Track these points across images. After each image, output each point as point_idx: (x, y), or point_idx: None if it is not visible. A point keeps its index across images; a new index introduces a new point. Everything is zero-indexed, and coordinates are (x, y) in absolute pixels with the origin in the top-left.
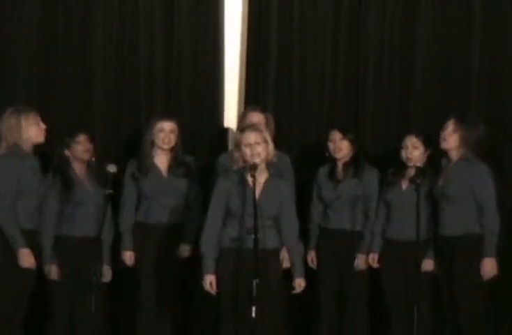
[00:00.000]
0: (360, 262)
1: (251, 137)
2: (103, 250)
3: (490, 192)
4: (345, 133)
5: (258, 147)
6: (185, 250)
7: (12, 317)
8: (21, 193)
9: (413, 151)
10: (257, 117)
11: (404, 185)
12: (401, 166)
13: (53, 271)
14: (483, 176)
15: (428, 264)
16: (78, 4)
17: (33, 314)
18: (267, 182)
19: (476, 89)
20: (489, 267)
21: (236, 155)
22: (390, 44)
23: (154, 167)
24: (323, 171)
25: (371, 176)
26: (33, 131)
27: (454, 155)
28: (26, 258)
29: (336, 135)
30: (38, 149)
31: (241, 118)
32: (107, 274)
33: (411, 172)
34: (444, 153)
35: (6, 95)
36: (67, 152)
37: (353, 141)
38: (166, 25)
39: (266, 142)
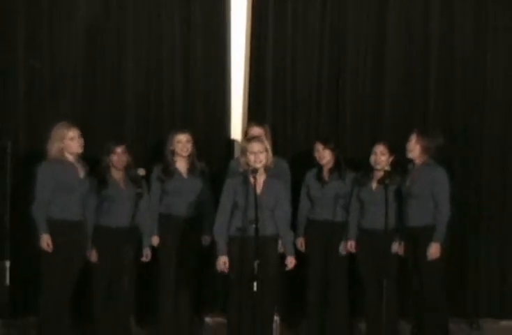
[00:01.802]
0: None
1: (255, 146)
2: (144, 236)
3: (445, 192)
4: (326, 144)
5: (260, 155)
6: (207, 239)
7: (60, 299)
8: (60, 191)
9: (381, 157)
10: (256, 131)
11: (375, 185)
12: (370, 169)
13: (93, 255)
14: (441, 178)
15: (396, 248)
16: (113, 39)
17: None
18: (266, 182)
19: (433, 108)
20: (434, 250)
21: (242, 160)
22: (364, 74)
23: (176, 171)
24: (311, 174)
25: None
26: (73, 143)
27: (418, 161)
28: (45, 243)
29: (319, 146)
30: (86, 156)
31: (245, 131)
32: (148, 255)
33: (379, 174)
34: (410, 160)
35: (56, 110)
36: (107, 159)
37: (334, 149)
38: (184, 59)
39: (266, 150)
